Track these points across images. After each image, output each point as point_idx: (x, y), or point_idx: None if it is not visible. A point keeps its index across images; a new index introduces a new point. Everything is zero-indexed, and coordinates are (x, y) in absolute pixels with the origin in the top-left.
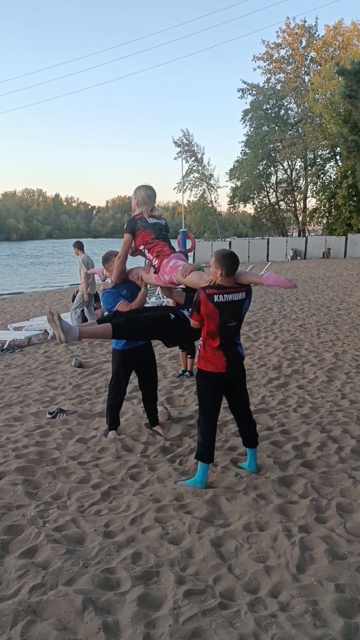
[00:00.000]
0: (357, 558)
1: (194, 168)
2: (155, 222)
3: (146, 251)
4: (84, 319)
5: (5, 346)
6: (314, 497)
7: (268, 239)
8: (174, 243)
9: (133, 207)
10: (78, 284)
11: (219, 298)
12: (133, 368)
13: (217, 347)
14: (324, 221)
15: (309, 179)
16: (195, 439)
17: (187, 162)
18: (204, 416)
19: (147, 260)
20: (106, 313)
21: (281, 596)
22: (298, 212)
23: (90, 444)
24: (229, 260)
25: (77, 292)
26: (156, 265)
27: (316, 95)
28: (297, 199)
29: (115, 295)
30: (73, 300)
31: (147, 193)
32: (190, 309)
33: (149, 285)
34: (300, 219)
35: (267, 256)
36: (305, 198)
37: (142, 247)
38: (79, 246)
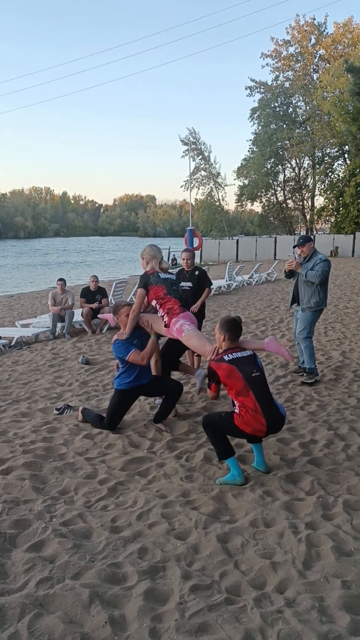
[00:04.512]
0: None
1: (201, 166)
2: (167, 277)
3: (158, 306)
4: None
5: (13, 343)
6: (321, 494)
7: (275, 238)
8: (182, 241)
9: (143, 267)
10: (85, 284)
11: (229, 357)
12: (134, 401)
13: (255, 408)
14: (332, 219)
15: (316, 177)
16: (202, 435)
17: (194, 160)
18: (218, 430)
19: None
20: (117, 359)
21: (287, 592)
22: (306, 210)
23: (97, 440)
24: (231, 326)
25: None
26: (166, 322)
27: (325, 93)
28: (305, 197)
29: (127, 345)
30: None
31: (153, 249)
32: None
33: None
34: (307, 217)
35: (275, 254)
36: (313, 196)
37: (154, 303)
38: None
